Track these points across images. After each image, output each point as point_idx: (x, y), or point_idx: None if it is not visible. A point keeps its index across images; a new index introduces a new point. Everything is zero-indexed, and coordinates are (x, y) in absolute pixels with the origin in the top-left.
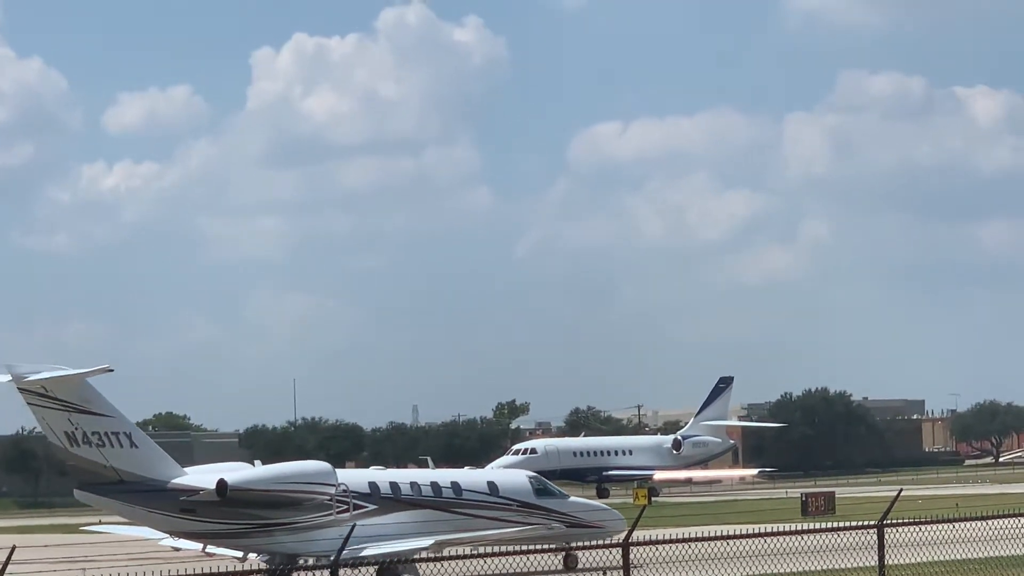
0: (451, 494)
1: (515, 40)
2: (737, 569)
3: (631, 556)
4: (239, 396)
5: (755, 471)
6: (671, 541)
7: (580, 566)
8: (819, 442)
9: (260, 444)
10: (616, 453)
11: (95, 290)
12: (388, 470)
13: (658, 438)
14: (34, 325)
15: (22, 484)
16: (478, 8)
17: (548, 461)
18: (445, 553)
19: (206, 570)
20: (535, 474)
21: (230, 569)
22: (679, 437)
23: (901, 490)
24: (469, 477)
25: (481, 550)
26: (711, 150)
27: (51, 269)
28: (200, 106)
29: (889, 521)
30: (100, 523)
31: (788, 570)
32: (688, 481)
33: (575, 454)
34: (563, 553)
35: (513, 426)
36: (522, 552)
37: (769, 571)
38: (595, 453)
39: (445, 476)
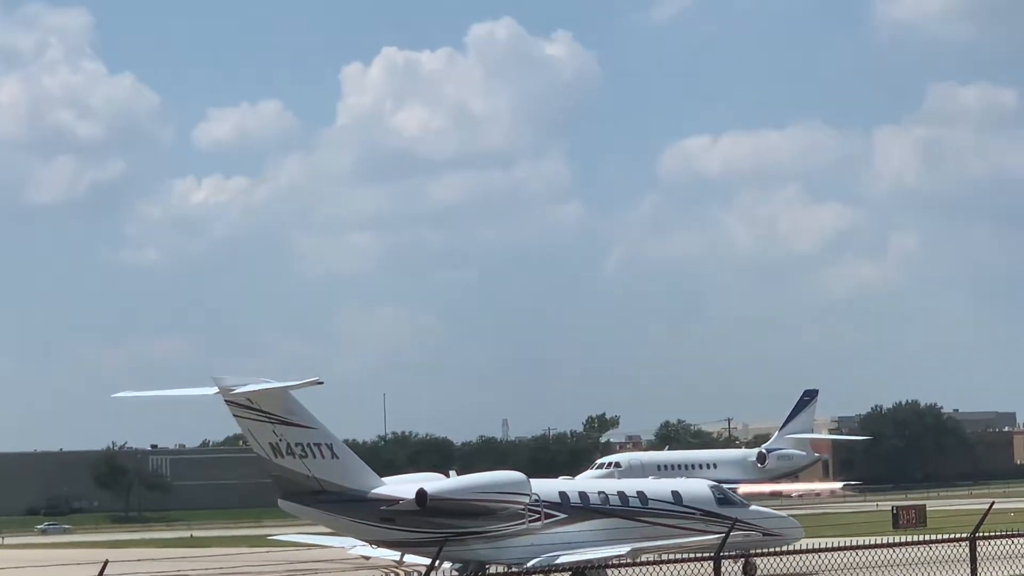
0: (638, 503)
1: (605, 54)
2: None
3: (722, 569)
4: (329, 410)
5: (840, 484)
6: (762, 554)
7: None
8: (909, 455)
9: None
10: (700, 467)
11: (185, 305)
12: (576, 479)
13: (743, 451)
14: (125, 339)
15: (113, 499)
16: (568, 23)
17: (632, 475)
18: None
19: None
20: (717, 483)
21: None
22: (764, 450)
23: (993, 503)
24: (654, 487)
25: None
26: (801, 163)
27: (141, 284)
28: (290, 121)
29: (981, 534)
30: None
31: None
32: (774, 495)
33: (659, 467)
34: (742, 560)
35: (603, 439)
36: (705, 559)
37: None
38: (679, 467)
39: (631, 486)
